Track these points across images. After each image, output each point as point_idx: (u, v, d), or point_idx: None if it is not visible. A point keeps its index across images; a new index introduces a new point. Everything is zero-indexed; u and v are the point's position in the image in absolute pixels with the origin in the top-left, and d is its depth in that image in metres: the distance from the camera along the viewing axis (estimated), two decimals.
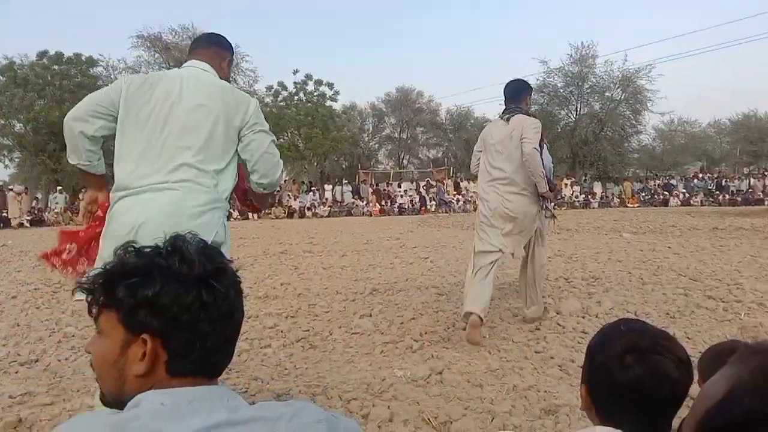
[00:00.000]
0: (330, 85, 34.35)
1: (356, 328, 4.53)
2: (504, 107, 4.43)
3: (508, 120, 4.28)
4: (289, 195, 28.23)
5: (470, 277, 4.13)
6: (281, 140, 33.09)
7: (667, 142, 42.76)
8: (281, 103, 33.75)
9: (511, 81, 4.49)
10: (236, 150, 2.43)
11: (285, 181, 32.94)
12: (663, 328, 4.09)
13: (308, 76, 33.95)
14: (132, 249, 1.00)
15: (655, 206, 26.89)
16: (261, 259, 9.28)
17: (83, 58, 29.56)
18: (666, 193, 29.73)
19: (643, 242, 10.12)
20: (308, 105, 33.33)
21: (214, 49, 2.61)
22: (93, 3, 71.22)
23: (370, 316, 4.96)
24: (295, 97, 33.86)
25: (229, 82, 2.60)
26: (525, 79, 4.72)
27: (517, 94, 4.42)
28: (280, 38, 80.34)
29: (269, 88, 34.08)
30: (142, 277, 0.94)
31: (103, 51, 54.96)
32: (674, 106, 74.97)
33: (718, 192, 30.03)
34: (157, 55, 30.57)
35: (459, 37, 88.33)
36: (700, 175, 33.36)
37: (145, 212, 2.16)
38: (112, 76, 30.17)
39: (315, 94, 34.06)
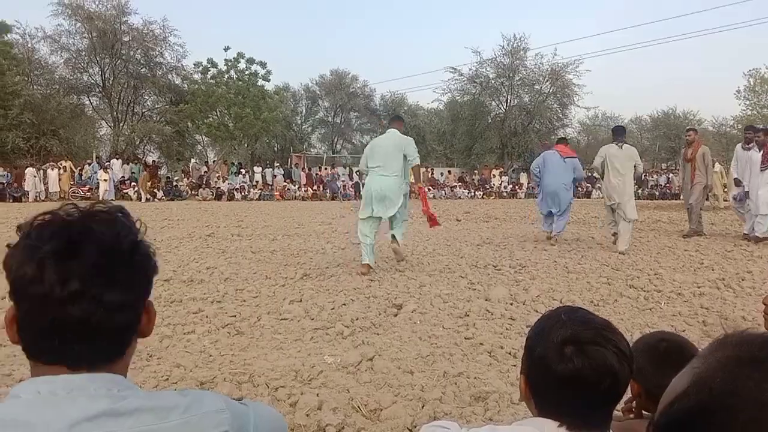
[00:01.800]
0: (262, 64, 33.51)
1: (286, 313, 4.42)
2: (615, 137, 8.29)
3: (621, 146, 8.08)
4: (217, 176, 27.45)
5: (607, 228, 8.64)
6: (209, 119, 32.07)
7: (591, 136, 44.57)
8: (211, 81, 32.67)
9: (619, 126, 8.90)
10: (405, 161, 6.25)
11: (214, 161, 32.06)
12: None
13: (240, 54, 32.99)
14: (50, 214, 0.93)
15: (579, 198, 27.96)
16: (186, 241, 8.94)
17: None
18: (589, 185, 30.93)
19: (568, 232, 10.44)
20: (239, 83, 32.40)
21: (399, 122, 6.62)
22: None
23: (300, 301, 4.85)
24: (226, 75, 32.83)
25: (404, 130, 6.54)
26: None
27: (622, 132, 8.44)
28: (211, 13, 77.74)
29: (198, 64, 32.90)
30: (13, 247, 0.89)
31: (19, 17, 51.45)
32: (599, 101, 78.05)
33: (637, 186, 31.57)
34: (78, 24, 28.79)
35: (394, 24, 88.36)
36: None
37: (379, 182, 6.15)
38: (29, 45, 28.28)
39: (246, 72, 33.15)
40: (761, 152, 8.82)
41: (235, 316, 4.39)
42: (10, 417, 0.79)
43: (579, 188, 30.11)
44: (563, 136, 11.38)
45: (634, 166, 8.07)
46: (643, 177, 32.94)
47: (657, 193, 29.72)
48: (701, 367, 0.59)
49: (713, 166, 11.91)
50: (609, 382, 1.09)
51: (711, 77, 76.13)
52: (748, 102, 36.83)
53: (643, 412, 1.58)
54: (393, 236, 6.54)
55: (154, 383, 3.03)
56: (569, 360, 1.11)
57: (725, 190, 16.34)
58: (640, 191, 30.63)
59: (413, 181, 6.55)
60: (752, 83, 36.23)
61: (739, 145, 9.63)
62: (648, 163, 42.46)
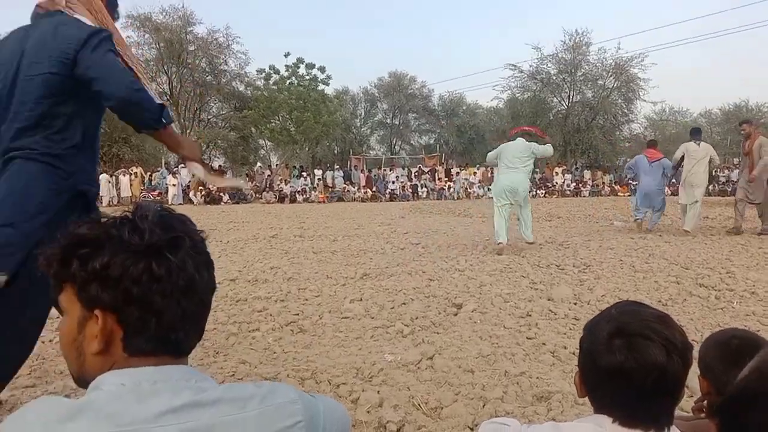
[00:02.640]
0: (322, 69, 34.12)
1: (346, 312, 4.48)
2: (692, 137, 9.71)
3: (698, 144, 9.49)
4: (280, 179, 28.07)
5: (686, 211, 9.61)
6: (272, 124, 32.85)
7: (658, 131, 42.87)
8: (273, 87, 33.46)
9: (696, 127, 10.39)
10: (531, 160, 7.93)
11: (276, 165, 32.79)
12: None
13: (300, 60, 33.69)
14: (87, 220, 0.93)
15: None
16: (251, 243, 9.20)
17: None
18: None
19: (634, 230, 10.12)
20: (300, 88, 33.05)
21: (525, 135, 8.29)
22: None
23: (361, 300, 4.91)
24: (287, 81, 33.55)
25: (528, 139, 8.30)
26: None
27: (698, 132, 9.81)
28: (272, 20, 79.56)
29: (260, 71, 33.79)
30: (93, 248, 0.88)
31: None
32: (666, 95, 74.97)
33: (708, 182, 30.17)
34: (147, 35, 30.15)
35: (452, 23, 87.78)
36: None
37: (509, 177, 7.78)
38: None
39: (307, 77, 33.78)
40: None
41: (298, 314, 4.48)
42: (98, 408, 0.80)
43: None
44: (653, 139, 13.76)
45: (710, 159, 9.36)
46: (715, 172, 31.53)
47: (729, 189, 28.27)
48: (764, 355, 0.59)
49: None
50: (655, 376, 1.06)
51: None
52: None
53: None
54: (526, 238, 8.08)
55: (220, 379, 3.14)
56: (612, 353, 1.09)
57: None
58: (710, 188, 29.33)
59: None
60: None
61: None
62: (720, 158, 40.57)
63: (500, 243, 7.58)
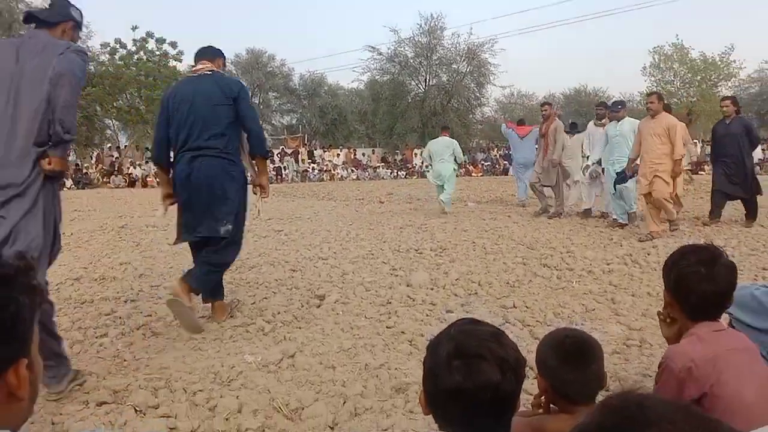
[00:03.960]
0: (173, 45, 32.14)
1: (203, 311, 4.31)
2: (571, 130, 10.38)
3: (571, 136, 10.06)
4: (130, 162, 26.27)
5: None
6: (119, 102, 30.55)
7: (507, 114, 45.74)
8: (119, 62, 31.02)
9: (573, 122, 11.48)
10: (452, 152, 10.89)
11: (125, 146, 30.64)
12: (503, 299, 4.20)
13: (149, 34, 31.41)
14: None
15: (497, 175, 28.69)
16: (98, 234, 8.52)
17: None
18: (506, 162, 31.85)
19: (486, 211, 10.74)
20: (150, 64, 30.93)
21: (447, 130, 11.53)
22: None
23: None
24: (135, 56, 31.25)
25: (450, 134, 11.77)
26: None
27: (575, 127, 10.48)
28: None
29: (105, 45, 31.13)
30: None
31: None
32: (514, 79, 79.97)
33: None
34: None
35: (311, 2, 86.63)
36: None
37: (439, 166, 10.56)
38: None
39: (157, 53, 31.69)
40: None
41: (150, 315, 4.25)
42: None
43: (497, 165, 31.09)
44: (522, 118, 14.99)
45: (582, 149, 9.74)
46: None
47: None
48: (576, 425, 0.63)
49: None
50: (490, 396, 1.12)
51: (620, 54, 79.37)
52: (653, 78, 38.65)
53: (551, 405, 1.66)
54: (441, 201, 10.36)
55: (63, 395, 2.89)
56: (452, 374, 1.14)
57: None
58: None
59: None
60: (657, 60, 37.99)
61: (591, 122, 9.59)
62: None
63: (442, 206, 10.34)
